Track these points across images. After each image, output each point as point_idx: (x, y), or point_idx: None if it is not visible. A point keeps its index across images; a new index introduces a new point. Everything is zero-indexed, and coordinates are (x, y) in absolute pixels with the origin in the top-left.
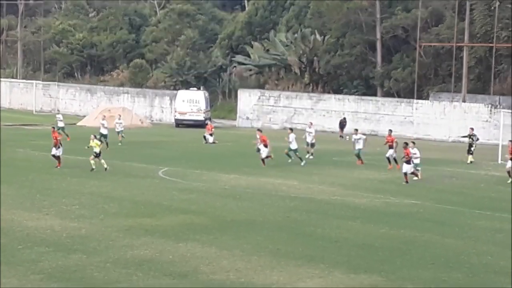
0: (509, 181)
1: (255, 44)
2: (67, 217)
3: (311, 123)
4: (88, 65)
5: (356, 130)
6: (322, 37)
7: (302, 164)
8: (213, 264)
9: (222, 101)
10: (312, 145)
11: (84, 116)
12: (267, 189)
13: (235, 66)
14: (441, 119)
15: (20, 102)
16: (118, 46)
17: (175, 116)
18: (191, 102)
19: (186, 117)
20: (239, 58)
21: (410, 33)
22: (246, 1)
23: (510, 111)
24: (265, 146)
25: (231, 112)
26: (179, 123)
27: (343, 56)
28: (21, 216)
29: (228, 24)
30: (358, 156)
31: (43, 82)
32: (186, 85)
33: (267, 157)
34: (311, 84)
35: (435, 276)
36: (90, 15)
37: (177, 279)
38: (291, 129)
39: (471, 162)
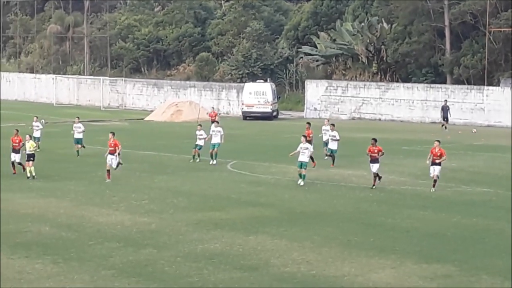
0: (432, 190)
1: (322, 34)
2: (137, 212)
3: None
4: (155, 60)
5: (333, 125)
6: (389, 25)
7: (205, 161)
8: (284, 257)
9: (289, 92)
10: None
11: (152, 111)
12: (336, 180)
13: (301, 57)
14: None
15: (88, 98)
16: (184, 40)
17: (242, 108)
18: (258, 94)
19: (254, 109)
20: (306, 48)
21: (479, 18)
22: None
23: None
24: (113, 153)
25: (299, 103)
26: (247, 116)
27: (411, 44)
28: (92, 212)
29: (293, 14)
30: (331, 154)
31: (110, 78)
32: (253, 77)
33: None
34: (379, 73)
35: (510, 264)
36: (155, 9)
37: (248, 272)
38: (200, 125)
39: None
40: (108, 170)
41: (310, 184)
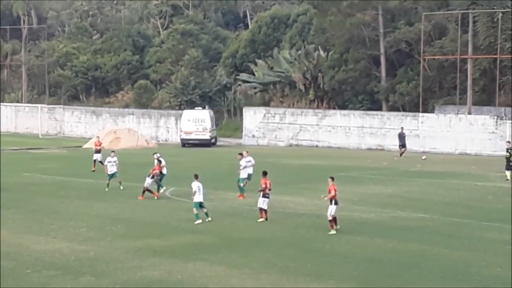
0: (331, 233)
1: (259, 62)
2: (75, 240)
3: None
4: (93, 87)
5: (247, 152)
6: (326, 53)
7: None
8: (222, 283)
9: (228, 119)
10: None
11: (90, 139)
12: (274, 206)
13: (239, 84)
14: (447, 132)
15: (26, 126)
16: (122, 67)
17: (180, 135)
18: (197, 122)
19: (192, 136)
20: (244, 76)
21: (413, 46)
22: (249, 19)
23: None
24: None
25: (237, 130)
26: (185, 143)
27: (347, 71)
28: (29, 240)
29: (231, 42)
30: (241, 188)
31: (48, 106)
32: (191, 105)
33: None
34: (316, 101)
35: None
36: (93, 37)
37: None
38: (113, 152)
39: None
40: None
41: (248, 211)
